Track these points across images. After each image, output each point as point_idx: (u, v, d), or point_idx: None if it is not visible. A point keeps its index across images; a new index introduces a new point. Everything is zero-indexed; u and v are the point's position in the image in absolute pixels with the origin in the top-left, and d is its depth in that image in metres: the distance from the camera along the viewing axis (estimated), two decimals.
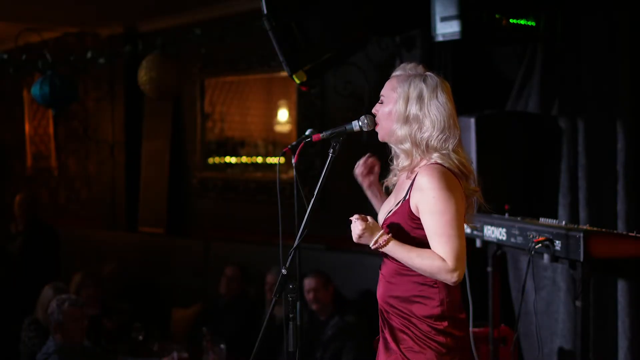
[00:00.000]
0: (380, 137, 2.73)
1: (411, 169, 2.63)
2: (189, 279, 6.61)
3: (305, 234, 2.59)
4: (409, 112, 2.59)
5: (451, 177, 2.55)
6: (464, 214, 2.57)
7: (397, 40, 4.78)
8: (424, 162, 2.60)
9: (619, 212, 3.98)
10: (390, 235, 2.56)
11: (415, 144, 2.59)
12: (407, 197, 2.58)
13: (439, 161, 2.57)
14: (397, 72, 2.71)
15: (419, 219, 2.56)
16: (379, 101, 2.71)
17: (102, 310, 5.72)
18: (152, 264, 6.95)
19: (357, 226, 2.57)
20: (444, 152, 2.58)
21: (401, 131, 2.61)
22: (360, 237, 2.57)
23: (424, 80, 2.61)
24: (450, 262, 2.48)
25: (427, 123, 2.57)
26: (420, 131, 2.58)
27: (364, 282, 5.35)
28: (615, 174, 4.00)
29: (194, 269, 6.61)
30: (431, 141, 2.58)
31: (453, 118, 2.61)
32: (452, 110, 2.61)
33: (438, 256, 2.49)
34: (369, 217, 2.59)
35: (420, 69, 2.68)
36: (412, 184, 2.58)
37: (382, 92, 2.70)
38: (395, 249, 2.55)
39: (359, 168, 2.87)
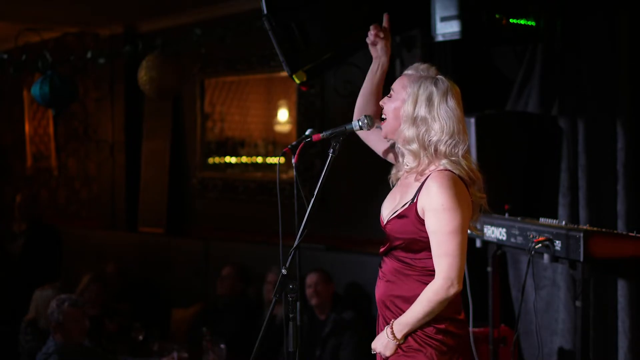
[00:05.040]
0: (384, 134, 2.72)
1: (420, 172, 2.60)
2: (189, 279, 6.61)
3: (305, 234, 2.58)
4: (417, 113, 2.57)
5: (461, 186, 2.54)
6: (468, 224, 2.56)
7: (397, 40, 4.77)
8: (433, 166, 2.58)
9: (619, 212, 3.98)
10: (390, 328, 2.59)
11: (423, 146, 2.57)
12: (415, 200, 2.56)
13: (449, 167, 2.55)
14: (409, 71, 2.70)
15: (424, 223, 2.55)
16: (388, 94, 2.70)
17: (103, 310, 5.73)
18: (152, 264, 6.95)
19: (377, 350, 2.66)
20: (454, 158, 2.56)
21: (408, 132, 2.59)
22: (383, 352, 2.63)
23: (435, 84, 2.59)
24: (447, 274, 2.49)
25: (435, 127, 2.55)
26: (429, 134, 2.56)
27: (364, 282, 5.35)
28: (615, 174, 4.00)
29: (194, 269, 6.61)
30: (440, 145, 2.56)
31: (462, 124, 2.59)
32: (461, 116, 2.59)
33: (428, 289, 2.52)
34: (374, 346, 2.66)
35: (432, 71, 2.67)
36: (420, 188, 2.56)
37: (393, 86, 2.70)
38: (406, 325, 2.57)
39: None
